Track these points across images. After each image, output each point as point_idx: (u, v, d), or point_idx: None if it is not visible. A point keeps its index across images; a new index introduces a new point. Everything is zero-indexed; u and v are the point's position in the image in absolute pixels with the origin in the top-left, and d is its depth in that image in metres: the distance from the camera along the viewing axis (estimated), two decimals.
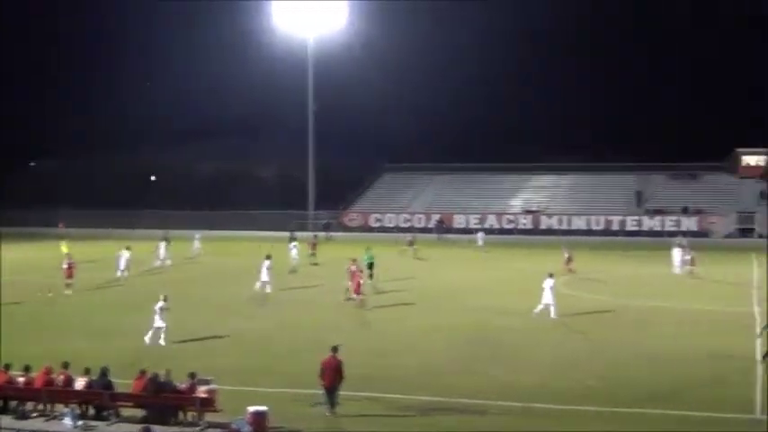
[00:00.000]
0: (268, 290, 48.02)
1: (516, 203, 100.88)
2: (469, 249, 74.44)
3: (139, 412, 24.08)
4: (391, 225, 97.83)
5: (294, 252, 60.63)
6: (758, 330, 35.20)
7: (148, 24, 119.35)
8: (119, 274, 53.81)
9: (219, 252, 72.37)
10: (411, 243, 70.74)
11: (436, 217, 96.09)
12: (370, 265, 51.62)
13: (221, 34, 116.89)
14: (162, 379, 24.16)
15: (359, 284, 44.25)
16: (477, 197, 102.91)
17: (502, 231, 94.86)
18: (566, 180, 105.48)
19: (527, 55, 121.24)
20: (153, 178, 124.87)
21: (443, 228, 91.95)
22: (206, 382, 24.06)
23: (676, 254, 57.91)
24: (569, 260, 57.29)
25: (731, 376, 29.83)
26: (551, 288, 40.56)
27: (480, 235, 79.39)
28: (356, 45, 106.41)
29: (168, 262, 62.56)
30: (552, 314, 40.21)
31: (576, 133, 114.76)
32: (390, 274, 54.09)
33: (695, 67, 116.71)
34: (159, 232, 72.63)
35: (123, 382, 25.24)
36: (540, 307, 40.54)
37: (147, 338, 34.39)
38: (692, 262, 56.50)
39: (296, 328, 38.36)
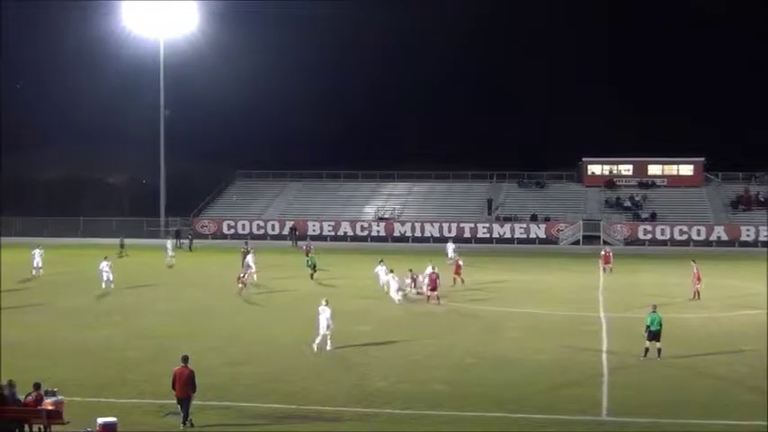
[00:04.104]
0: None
1: (370, 211, 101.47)
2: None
3: None
4: (245, 232, 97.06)
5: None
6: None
7: None
8: (33, 272, 59.52)
9: (64, 261, 70.62)
10: (307, 252, 67.29)
11: (290, 224, 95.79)
12: (312, 266, 59.04)
13: (69, 35, 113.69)
14: (5, 391, 23.40)
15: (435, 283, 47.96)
16: (331, 205, 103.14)
17: (355, 239, 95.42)
18: (418, 188, 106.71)
19: (382, 64, 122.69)
20: None
21: (297, 235, 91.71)
22: (53, 394, 23.45)
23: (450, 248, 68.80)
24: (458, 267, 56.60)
25: (578, 379, 30.73)
26: None
27: (450, 245, 72.79)
28: (208, 49, 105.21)
29: (42, 271, 60.87)
30: None
31: (429, 142, 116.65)
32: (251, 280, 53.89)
33: (544, 80, 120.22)
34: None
35: None
36: None
37: (315, 345, 34.59)
38: (458, 270, 55.89)
39: (146, 338, 37.74)
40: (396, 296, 48.30)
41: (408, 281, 50.30)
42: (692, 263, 51.96)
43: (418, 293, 50.11)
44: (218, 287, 53.99)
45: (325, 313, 34.95)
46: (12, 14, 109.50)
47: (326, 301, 35.69)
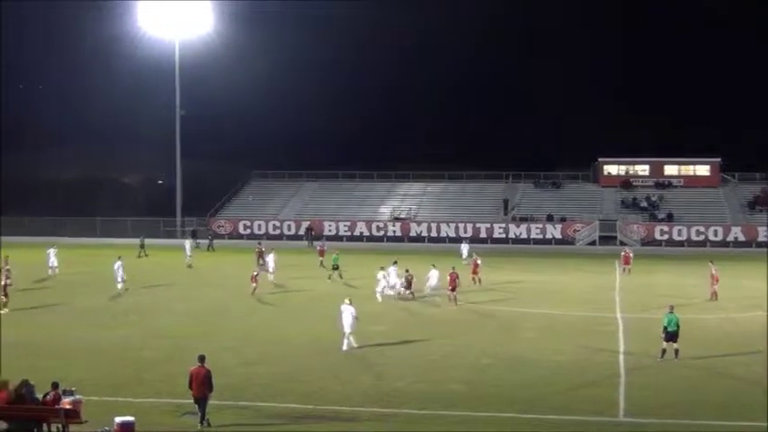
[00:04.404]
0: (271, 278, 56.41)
1: (385, 211, 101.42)
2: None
3: (1, 425, 23.34)
4: (261, 232, 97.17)
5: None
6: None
7: (7, 25, 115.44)
8: (49, 272, 59.74)
9: (81, 261, 70.87)
10: (321, 253, 67.85)
11: (306, 224, 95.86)
12: (335, 267, 58.25)
13: (84, 36, 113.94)
14: (24, 390, 23.46)
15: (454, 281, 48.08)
16: (347, 205, 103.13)
17: (371, 239, 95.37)
18: (434, 188, 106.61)
19: (398, 64, 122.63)
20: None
21: (313, 235, 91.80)
22: (70, 393, 23.50)
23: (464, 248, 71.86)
24: (476, 266, 56.61)
25: (595, 379, 30.64)
26: None
27: (464, 245, 74.11)
28: (223, 49, 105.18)
29: (57, 271, 60.95)
30: None
31: (443, 142, 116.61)
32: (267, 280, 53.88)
33: (560, 80, 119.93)
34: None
35: None
36: None
37: (344, 347, 34.74)
38: (475, 269, 56.12)
39: (162, 338, 37.82)
40: (379, 291, 49.17)
41: (402, 280, 50.07)
42: (710, 263, 51.74)
43: (409, 293, 50.01)
44: (234, 287, 54.01)
45: (348, 311, 34.93)
46: (28, 15, 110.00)
47: (350, 300, 35.71)
